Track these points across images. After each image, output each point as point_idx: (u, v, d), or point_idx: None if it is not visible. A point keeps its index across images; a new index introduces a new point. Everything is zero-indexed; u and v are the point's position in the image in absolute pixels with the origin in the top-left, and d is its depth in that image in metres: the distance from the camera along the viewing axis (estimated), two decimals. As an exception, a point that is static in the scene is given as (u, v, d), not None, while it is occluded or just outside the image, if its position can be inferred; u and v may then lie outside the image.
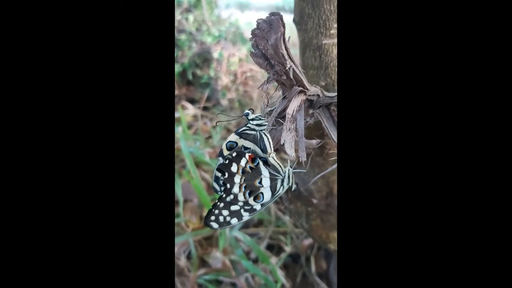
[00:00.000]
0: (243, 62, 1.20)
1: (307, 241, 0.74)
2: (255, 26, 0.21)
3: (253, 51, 0.22)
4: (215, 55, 1.21)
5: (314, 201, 0.39)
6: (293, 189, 0.29)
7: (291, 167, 0.28)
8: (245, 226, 0.77)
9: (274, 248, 0.75)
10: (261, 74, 1.31)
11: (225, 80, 1.17)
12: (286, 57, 0.21)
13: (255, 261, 0.71)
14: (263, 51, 0.21)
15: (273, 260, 0.71)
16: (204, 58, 1.26)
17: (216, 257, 0.71)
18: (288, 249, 0.73)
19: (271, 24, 0.20)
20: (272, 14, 0.20)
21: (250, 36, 0.21)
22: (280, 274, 0.66)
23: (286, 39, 0.21)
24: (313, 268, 0.70)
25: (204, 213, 0.83)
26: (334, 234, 0.43)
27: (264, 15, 0.21)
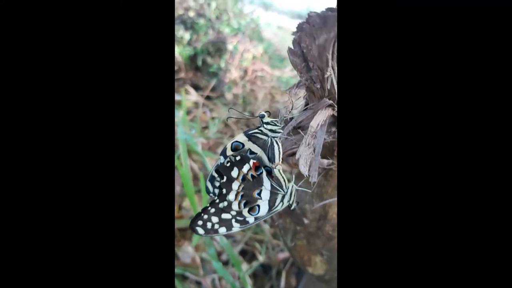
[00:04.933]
0: (256, 60, 1.17)
1: (282, 255, 0.72)
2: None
3: (292, 48, 0.19)
4: (230, 47, 1.18)
5: (306, 221, 0.36)
6: (292, 208, 0.26)
7: (295, 184, 0.26)
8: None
9: (248, 254, 0.72)
10: (270, 76, 1.28)
11: (234, 74, 1.14)
12: (330, 63, 0.18)
13: (225, 263, 0.69)
14: (305, 50, 0.18)
15: (244, 266, 0.68)
16: (218, 48, 1.22)
17: (187, 252, 0.68)
18: (261, 258, 0.71)
19: (325, 21, 0.17)
20: (329, 9, 0.16)
21: (294, 30, 0.18)
22: (248, 283, 0.63)
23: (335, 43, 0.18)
24: (282, 283, 0.68)
25: (185, 203, 0.81)
26: (317, 258, 0.41)
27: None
